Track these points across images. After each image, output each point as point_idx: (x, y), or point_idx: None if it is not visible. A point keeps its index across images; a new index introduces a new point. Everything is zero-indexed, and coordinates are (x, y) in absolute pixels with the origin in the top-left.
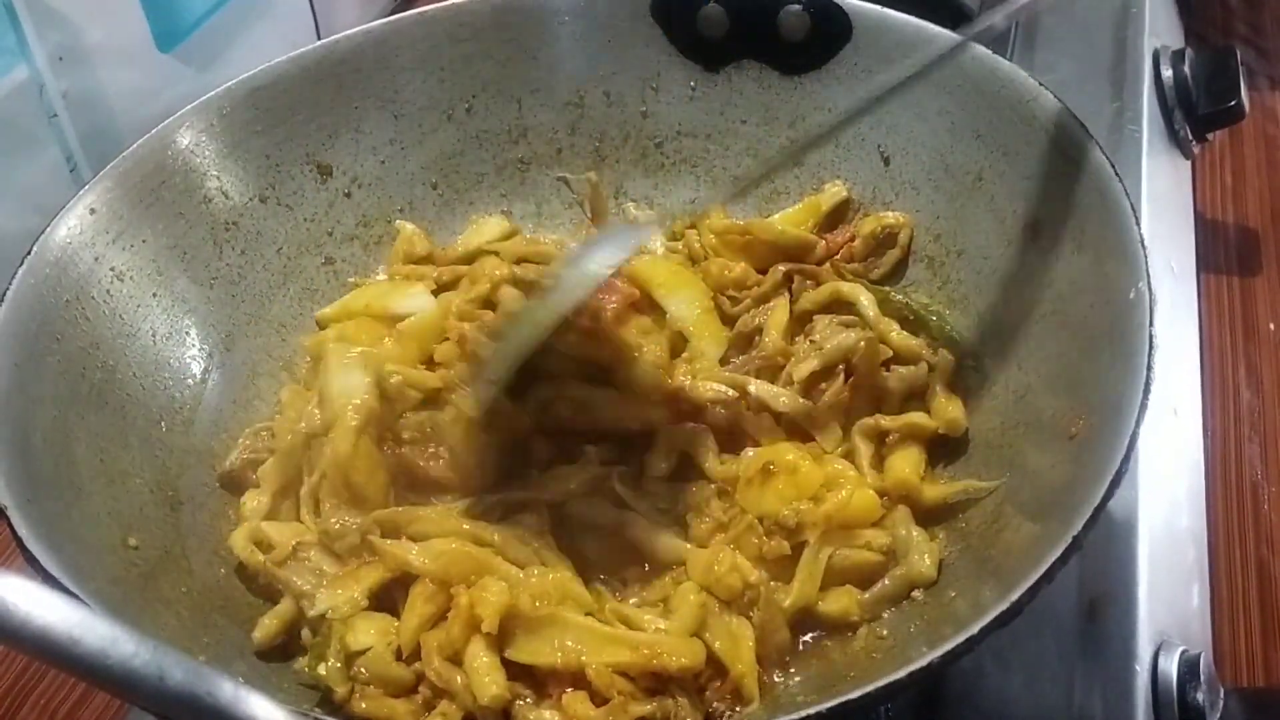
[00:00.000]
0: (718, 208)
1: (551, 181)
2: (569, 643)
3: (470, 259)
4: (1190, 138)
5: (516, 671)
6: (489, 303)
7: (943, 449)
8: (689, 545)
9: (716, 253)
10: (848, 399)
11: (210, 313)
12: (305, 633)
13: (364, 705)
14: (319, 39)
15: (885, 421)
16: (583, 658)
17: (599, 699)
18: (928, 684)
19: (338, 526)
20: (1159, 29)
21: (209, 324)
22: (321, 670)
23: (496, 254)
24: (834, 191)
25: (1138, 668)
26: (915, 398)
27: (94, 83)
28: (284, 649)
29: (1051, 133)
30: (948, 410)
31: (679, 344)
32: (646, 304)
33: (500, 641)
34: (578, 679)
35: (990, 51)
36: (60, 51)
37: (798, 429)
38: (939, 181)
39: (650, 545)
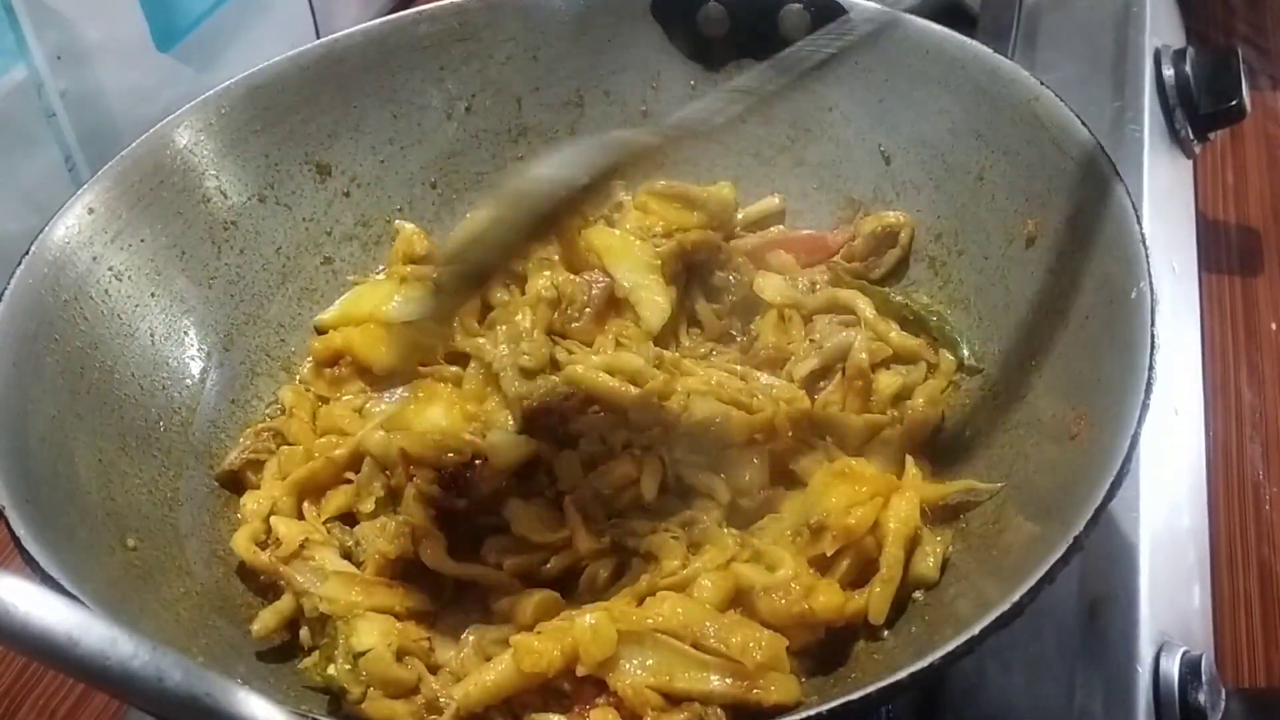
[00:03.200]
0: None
1: None
2: (655, 663)
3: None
4: (1192, 137)
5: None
6: (485, 304)
7: (947, 451)
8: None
9: (646, 210)
10: (841, 397)
11: (209, 312)
12: (304, 633)
13: (363, 706)
14: (318, 38)
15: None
16: (676, 683)
17: (629, 713)
18: (929, 684)
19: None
20: (1160, 28)
21: (207, 324)
22: (332, 671)
23: None
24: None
25: (1139, 668)
26: (905, 397)
27: (93, 82)
28: (283, 650)
29: (1053, 132)
30: (914, 417)
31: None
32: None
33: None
34: (604, 689)
35: (992, 51)
36: (59, 51)
37: None
38: (940, 181)
39: None
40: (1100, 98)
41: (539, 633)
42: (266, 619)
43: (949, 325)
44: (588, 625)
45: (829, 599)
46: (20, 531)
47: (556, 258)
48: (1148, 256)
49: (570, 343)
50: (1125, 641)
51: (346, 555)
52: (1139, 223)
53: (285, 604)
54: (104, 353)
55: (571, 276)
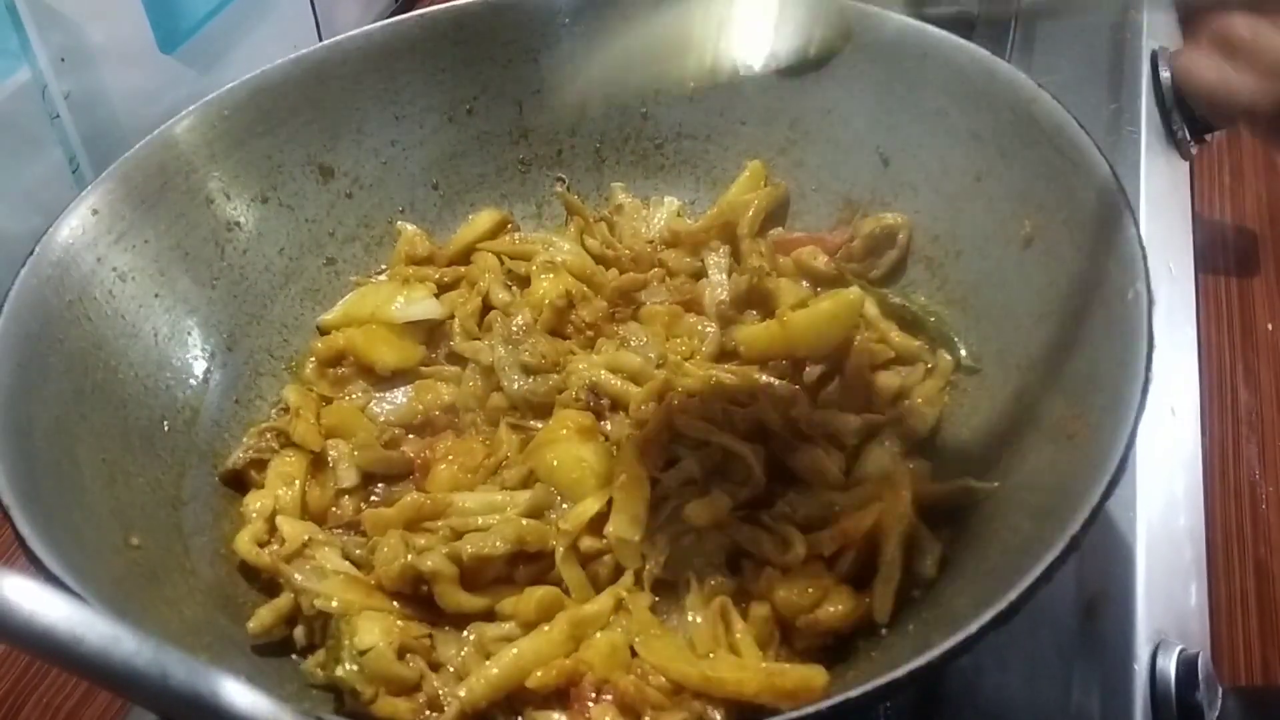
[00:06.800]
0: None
1: (552, 182)
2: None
3: (465, 255)
4: (1188, 139)
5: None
6: (487, 306)
7: (945, 451)
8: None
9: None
10: (841, 397)
11: (212, 313)
12: (298, 631)
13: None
14: (320, 40)
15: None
16: (725, 674)
17: (629, 711)
18: (927, 683)
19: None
20: (1157, 30)
21: (211, 324)
22: (340, 672)
23: (490, 252)
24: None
25: (1136, 667)
26: (903, 397)
27: (96, 84)
28: (286, 647)
29: (1050, 134)
30: (913, 417)
31: None
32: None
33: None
34: (604, 690)
35: (989, 53)
36: (62, 53)
37: None
38: (938, 182)
39: None
40: (1097, 100)
41: (545, 631)
42: (263, 616)
43: (946, 326)
44: (605, 644)
45: (839, 607)
46: (24, 530)
47: (560, 260)
48: (1144, 257)
49: (570, 343)
50: (1122, 640)
51: (350, 559)
52: (1136, 224)
53: (283, 602)
54: (108, 353)
55: (581, 285)
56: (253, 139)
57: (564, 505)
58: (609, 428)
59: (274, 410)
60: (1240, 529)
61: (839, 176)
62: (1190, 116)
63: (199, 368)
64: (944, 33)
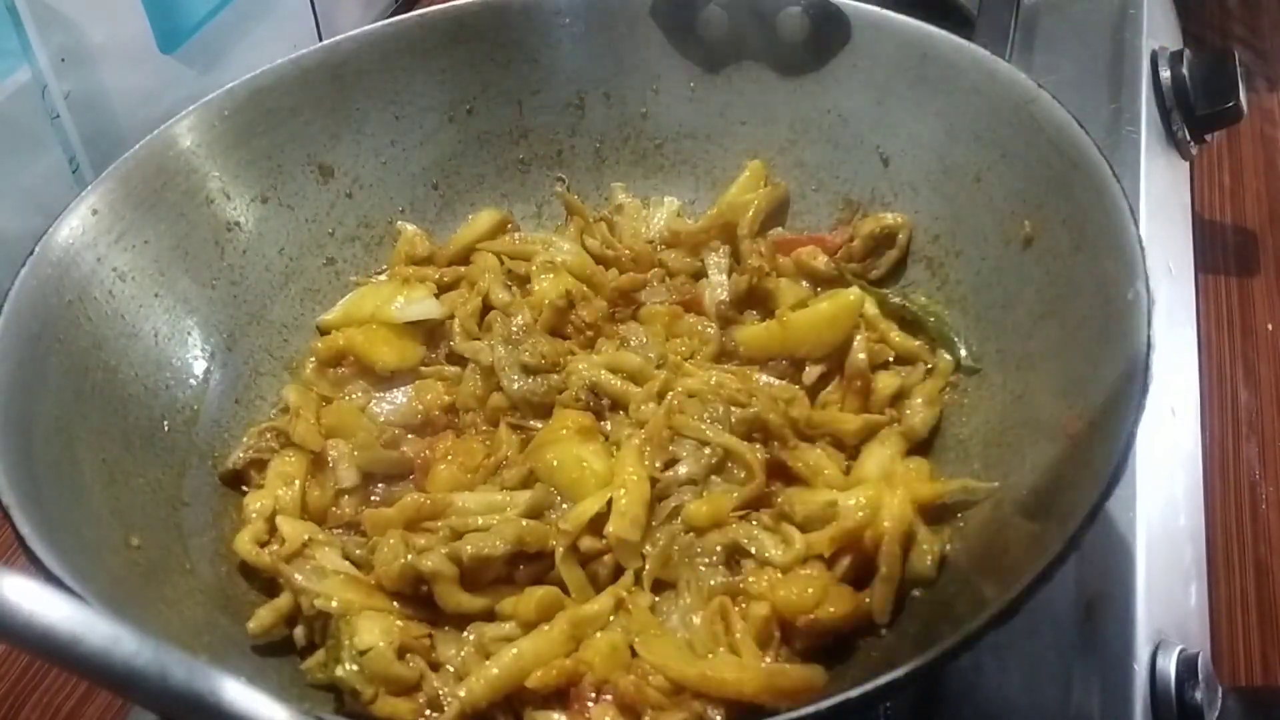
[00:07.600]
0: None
1: (552, 182)
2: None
3: (465, 255)
4: (1188, 139)
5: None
6: (487, 306)
7: (945, 451)
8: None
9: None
10: (840, 397)
11: (212, 313)
12: (298, 631)
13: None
14: (320, 40)
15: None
16: (725, 674)
17: (629, 710)
18: (927, 682)
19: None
20: (1157, 30)
21: (211, 324)
22: (340, 672)
23: (490, 252)
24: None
25: (1136, 667)
26: (903, 397)
27: (96, 84)
28: (287, 647)
29: (1050, 134)
30: (912, 417)
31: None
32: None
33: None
34: (603, 690)
35: (989, 53)
36: (63, 53)
37: None
38: (938, 182)
39: None
40: (1097, 100)
41: (545, 631)
42: (263, 616)
43: (946, 326)
44: (605, 644)
45: (839, 607)
46: (25, 530)
47: (559, 260)
48: (1144, 257)
49: (570, 343)
50: (1122, 640)
51: (350, 559)
52: (1135, 224)
53: (283, 602)
54: (108, 353)
55: (581, 285)
56: (253, 139)
57: (564, 505)
58: (609, 428)
59: (274, 410)
60: (1240, 529)
61: (839, 176)
62: (1190, 116)
63: (199, 368)
64: (944, 33)
